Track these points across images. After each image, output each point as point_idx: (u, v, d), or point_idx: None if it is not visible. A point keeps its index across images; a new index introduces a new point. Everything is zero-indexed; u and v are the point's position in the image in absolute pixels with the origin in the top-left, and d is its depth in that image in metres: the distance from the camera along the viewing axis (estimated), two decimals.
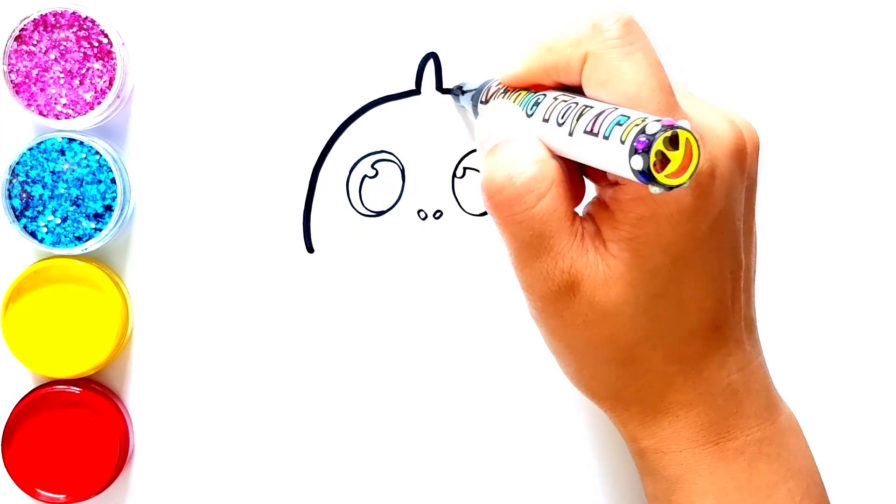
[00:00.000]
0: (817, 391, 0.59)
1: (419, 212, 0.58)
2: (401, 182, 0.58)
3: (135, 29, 0.56)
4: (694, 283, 0.40)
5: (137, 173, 0.56)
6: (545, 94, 0.42)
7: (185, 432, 0.57)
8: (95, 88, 0.54)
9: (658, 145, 0.34)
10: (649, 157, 0.34)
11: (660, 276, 0.40)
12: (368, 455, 0.58)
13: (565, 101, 0.40)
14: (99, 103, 0.54)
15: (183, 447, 0.57)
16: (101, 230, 0.54)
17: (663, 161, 0.34)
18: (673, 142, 0.34)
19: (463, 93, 0.55)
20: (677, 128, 0.34)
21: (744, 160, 0.41)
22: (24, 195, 0.54)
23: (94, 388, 0.55)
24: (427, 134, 0.57)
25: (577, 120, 0.38)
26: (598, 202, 0.41)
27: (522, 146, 0.40)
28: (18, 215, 0.54)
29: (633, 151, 0.34)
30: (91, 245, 0.54)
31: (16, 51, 0.53)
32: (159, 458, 0.57)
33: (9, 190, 0.54)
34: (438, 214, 0.58)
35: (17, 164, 0.54)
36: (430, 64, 0.57)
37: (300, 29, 0.57)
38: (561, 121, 0.39)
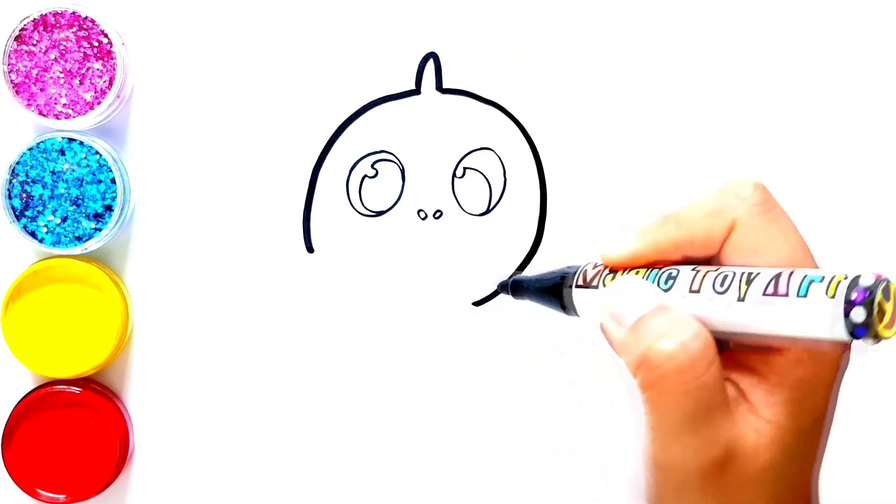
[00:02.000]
0: None
1: (419, 212, 0.58)
2: (401, 182, 0.58)
3: (135, 29, 0.56)
4: (820, 440, 0.41)
5: (137, 173, 0.56)
6: (677, 269, 0.40)
7: (184, 432, 0.57)
8: (95, 88, 0.54)
9: (879, 296, 0.33)
10: (873, 308, 0.33)
11: (805, 436, 0.40)
12: (367, 454, 0.58)
13: (715, 270, 0.39)
14: (99, 103, 0.54)
15: (183, 447, 0.57)
16: (101, 230, 0.54)
17: (881, 313, 0.34)
18: (886, 293, 0.34)
19: (529, 285, 0.47)
20: (888, 280, 0.34)
21: None
22: (24, 195, 0.54)
23: (94, 388, 0.55)
24: (427, 134, 0.57)
25: (748, 284, 0.37)
26: (738, 364, 0.40)
27: (678, 314, 0.39)
28: (18, 215, 0.54)
29: (851, 305, 0.34)
30: (91, 245, 0.54)
31: (16, 51, 0.53)
32: (159, 458, 0.57)
33: (9, 190, 0.54)
34: (438, 214, 0.58)
35: (17, 164, 0.54)
36: (430, 64, 0.57)
37: (300, 29, 0.57)
38: (721, 289, 0.38)
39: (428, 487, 0.58)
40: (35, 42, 0.53)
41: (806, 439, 0.40)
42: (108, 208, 0.54)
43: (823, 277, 0.35)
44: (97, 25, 0.53)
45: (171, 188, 0.57)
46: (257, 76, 0.57)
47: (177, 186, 0.57)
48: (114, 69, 0.54)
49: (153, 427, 0.57)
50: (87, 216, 0.54)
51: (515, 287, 0.47)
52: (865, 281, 0.34)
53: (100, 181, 0.54)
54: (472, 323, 0.58)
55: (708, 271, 0.39)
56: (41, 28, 0.53)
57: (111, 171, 0.54)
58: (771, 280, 0.36)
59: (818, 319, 0.35)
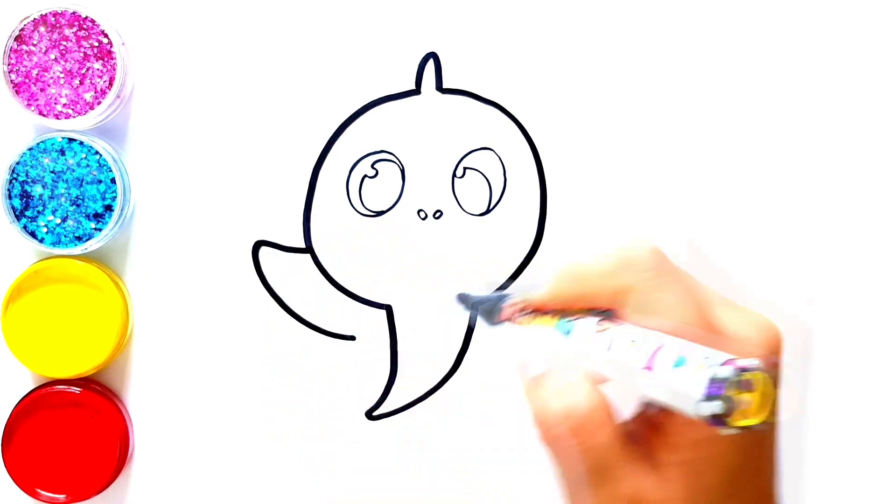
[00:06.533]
0: (820, 390, 0.59)
1: (419, 212, 0.58)
2: (401, 182, 0.58)
3: (135, 29, 0.56)
4: (750, 491, 0.40)
5: (137, 173, 0.56)
6: (581, 318, 0.41)
7: (184, 432, 0.57)
8: (95, 88, 0.54)
9: (730, 391, 0.33)
10: (722, 404, 0.33)
11: (717, 490, 0.39)
12: (367, 454, 0.58)
13: (604, 330, 0.40)
14: (99, 103, 0.54)
15: (183, 447, 0.57)
16: (101, 230, 0.54)
17: (737, 402, 0.33)
18: (744, 383, 0.34)
19: (471, 304, 0.53)
20: (749, 369, 0.33)
21: (779, 366, 0.41)
22: (24, 195, 0.54)
23: (94, 388, 0.55)
24: (427, 134, 0.57)
25: (629, 350, 0.38)
26: (645, 420, 0.41)
27: (574, 376, 0.40)
28: (18, 215, 0.54)
29: (705, 397, 0.33)
30: (91, 245, 0.54)
31: (16, 51, 0.53)
32: (159, 458, 0.57)
33: (9, 190, 0.54)
34: (438, 214, 0.58)
35: (17, 164, 0.54)
36: (430, 64, 0.57)
37: (300, 29, 0.57)
38: (608, 350, 0.39)
39: (428, 488, 0.58)
40: (35, 42, 0.53)
41: (722, 493, 0.40)
42: (108, 208, 0.54)
43: (687, 360, 0.35)
44: (97, 25, 0.53)
45: (171, 188, 0.57)
46: (257, 76, 0.57)
47: (177, 186, 0.57)
48: (114, 69, 0.54)
49: (153, 427, 0.57)
50: (87, 216, 0.54)
51: (472, 303, 0.52)
52: (722, 373, 0.34)
53: (100, 181, 0.54)
54: (472, 323, 0.58)
55: (605, 328, 0.40)
56: (41, 28, 0.53)
57: (111, 171, 0.54)
58: (653, 352, 0.37)
59: (685, 400, 0.35)
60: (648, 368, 0.37)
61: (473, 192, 0.58)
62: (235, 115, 0.57)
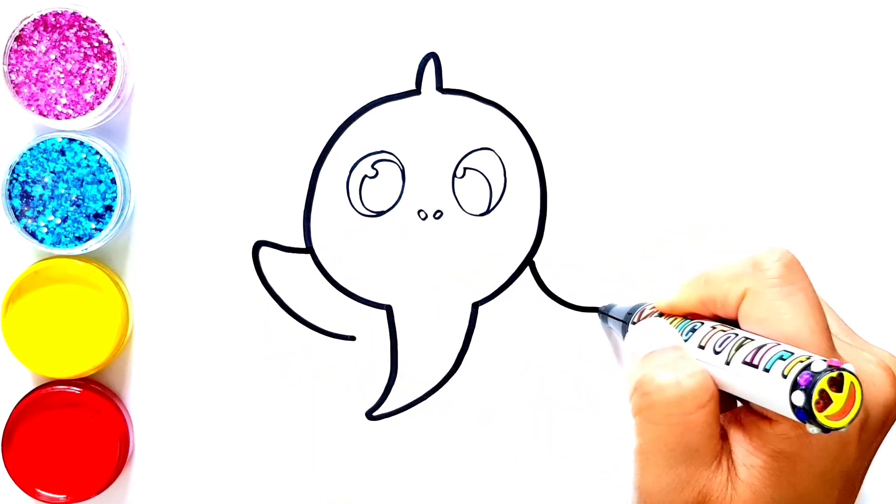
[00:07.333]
0: None
1: (419, 212, 0.58)
2: (401, 182, 0.58)
3: (135, 29, 0.56)
4: None
5: (137, 173, 0.56)
6: (702, 322, 0.42)
7: (184, 432, 0.57)
8: (95, 88, 0.54)
9: (822, 384, 0.34)
10: (812, 395, 0.34)
11: (781, 502, 0.40)
12: (367, 454, 0.58)
13: (724, 331, 0.40)
14: (99, 103, 0.54)
15: (183, 447, 0.57)
16: (101, 230, 0.54)
17: (825, 401, 0.34)
18: (836, 384, 0.34)
19: (610, 316, 0.56)
20: (843, 370, 0.34)
21: (894, 415, 0.41)
22: (24, 195, 0.54)
23: (94, 388, 0.55)
24: (427, 134, 0.57)
25: (736, 350, 0.39)
26: (737, 420, 0.41)
27: (685, 355, 0.41)
28: (18, 215, 0.54)
29: (795, 387, 0.34)
30: (91, 245, 0.54)
31: (16, 51, 0.53)
32: (159, 458, 0.57)
33: (9, 190, 0.54)
34: (438, 214, 0.58)
35: (17, 164, 0.54)
36: (430, 64, 0.57)
37: (300, 29, 0.57)
38: (718, 349, 0.40)
39: (428, 488, 0.58)
40: (35, 42, 0.53)
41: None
42: (109, 208, 0.54)
43: (792, 356, 0.36)
44: (97, 25, 0.54)
45: (171, 188, 0.57)
46: (257, 76, 0.57)
47: (177, 186, 0.57)
48: (114, 69, 0.54)
49: (153, 427, 0.57)
50: (88, 216, 0.54)
51: (610, 315, 0.55)
52: (817, 367, 0.34)
53: (100, 181, 0.54)
54: (473, 322, 0.58)
55: (719, 331, 0.41)
56: (41, 28, 0.53)
57: (111, 171, 0.54)
58: (753, 350, 0.38)
59: (776, 395, 0.36)
60: (750, 364, 0.37)
61: (473, 192, 0.58)
62: (235, 115, 0.57)
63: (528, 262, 0.58)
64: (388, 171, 0.57)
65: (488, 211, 0.58)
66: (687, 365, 0.40)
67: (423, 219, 0.58)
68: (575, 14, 0.58)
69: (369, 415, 0.58)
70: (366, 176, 0.57)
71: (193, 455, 0.57)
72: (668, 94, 0.58)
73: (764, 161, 0.59)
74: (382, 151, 0.57)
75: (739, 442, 0.40)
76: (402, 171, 0.57)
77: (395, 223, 0.58)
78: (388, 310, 0.58)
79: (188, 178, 0.57)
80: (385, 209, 0.58)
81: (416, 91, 0.57)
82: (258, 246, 0.57)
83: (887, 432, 0.43)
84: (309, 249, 0.57)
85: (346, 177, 0.57)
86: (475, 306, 0.58)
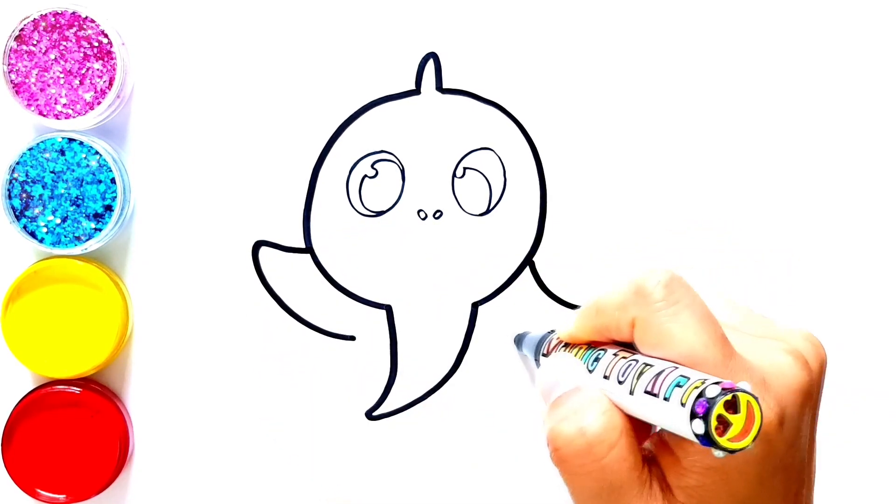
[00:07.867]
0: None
1: (419, 212, 0.58)
2: (401, 182, 0.58)
3: (135, 29, 0.56)
4: None
5: (137, 173, 0.56)
6: (605, 350, 0.42)
7: (184, 432, 0.57)
8: (95, 88, 0.54)
9: (718, 409, 0.34)
10: (710, 421, 0.34)
11: None
12: (367, 454, 0.58)
13: (625, 358, 0.40)
14: (99, 103, 0.54)
15: (182, 447, 0.57)
16: (101, 230, 0.54)
17: (724, 425, 0.34)
18: (732, 406, 0.34)
19: (522, 343, 0.56)
20: (736, 391, 0.34)
21: (812, 396, 0.41)
22: (24, 195, 0.54)
23: (94, 388, 0.55)
24: (427, 134, 0.57)
25: (637, 379, 0.39)
26: (662, 443, 0.41)
27: (588, 396, 0.40)
28: (18, 215, 0.54)
29: (694, 415, 0.34)
30: (91, 245, 0.54)
31: (16, 51, 0.53)
32: (159, 458, 0.57)
33: (9, 190, 0.54)
34: (438, 214, 0.58)
35: (17, 164, 0.54)
36: (430, 64, 0.57)
37: (300, 29, 0.57)
38: (622, 378, 0.40)
39: (428, 488, 0.58)
40: (35, 42, 0.53)
41: None
42: (108, 208, 0.54)
43: (688, 381, 0.36)
44: (97, 25, 0.53)
45: (171, 188, 0.57)
46: (257, 76, 0.57)
47: (177, 186, 0.57)
48: (114, 69, 0.54)
49: (153, 427, 0.57)
50: (87, 216, 0.54)
51: (522, 342, 0.56)
52: (710, 392, 0.34)
53: (100, 181, 0.54)
54: (473, 322, 0.58)
55: (621, 358, 0.41)
56: (41, 28, 0.53)
57: (111, 171, 0.54)
58: (652, 378, 0.38)
59: (679, 423, 0.36)
60: (651, 393, 0.37)
61: (473, 192, 0.58)
62: (235, 115, 0.57)
63: (528, 261, 0.58)
64: (388, 171, 0.57)
65: (488, 211, 0.58)
66: (591, 408, 0.40)
67: (423, 219, 0.58)
68: (575, 14, 0.58)
69: (369, 415, 0.58)
70: (365, 176, 0.57)
71: (193, 455, 0.57)
72: (667, 93, 0.58)
73: (763, 160, 0.59)
74: (382, 151, 0.57)
75: (669, 465, 0.40)
76: (402, 171, 0.57)
77: (395, 223, 0.58)
78: (388, 310, 0.58)
79: (188, 178, 0.57)
80: (385, 209, 0.58)
81: (416, 91, 0.57)
82: (258, 246, 0.57)
83: (817, 410, 0.42)
84: (309, 249, 0.57)
85: (346, 177, 0.57)
86: (475, 306, 0.58)
